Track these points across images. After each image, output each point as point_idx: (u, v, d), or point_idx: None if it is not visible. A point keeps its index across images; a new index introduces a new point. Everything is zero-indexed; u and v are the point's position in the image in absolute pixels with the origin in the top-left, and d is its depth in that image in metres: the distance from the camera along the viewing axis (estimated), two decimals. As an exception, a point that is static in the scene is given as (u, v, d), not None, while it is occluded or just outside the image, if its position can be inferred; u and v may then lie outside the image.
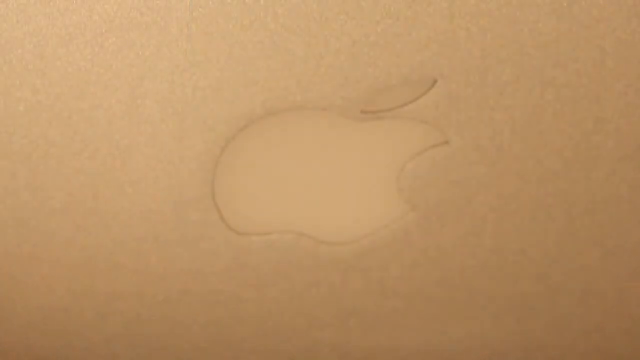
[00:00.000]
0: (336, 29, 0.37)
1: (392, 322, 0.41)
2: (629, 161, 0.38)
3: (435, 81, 0.37)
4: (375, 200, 0.39)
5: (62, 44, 0.37)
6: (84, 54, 0.37)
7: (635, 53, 0.37)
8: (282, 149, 0.38)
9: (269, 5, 0.37)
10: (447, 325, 0.41)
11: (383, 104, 0.38)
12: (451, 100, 0.38)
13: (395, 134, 0.38)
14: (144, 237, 0.39)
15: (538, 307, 0.40)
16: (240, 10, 0.37)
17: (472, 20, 0.37)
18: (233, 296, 0.40)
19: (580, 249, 0.39)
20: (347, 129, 0.38)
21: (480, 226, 0.39)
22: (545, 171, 0.38)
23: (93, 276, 0.40)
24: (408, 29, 0.37)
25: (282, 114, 0.38)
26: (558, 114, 0.38)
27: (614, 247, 0.39)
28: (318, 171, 0.39)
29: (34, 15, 0.37)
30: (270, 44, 0.37)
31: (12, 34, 0.37)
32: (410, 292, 0.40)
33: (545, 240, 0.39)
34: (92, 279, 0.40)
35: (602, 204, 0.39)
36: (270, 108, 0.38)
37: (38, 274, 0.40)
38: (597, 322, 0.41)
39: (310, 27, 0.37)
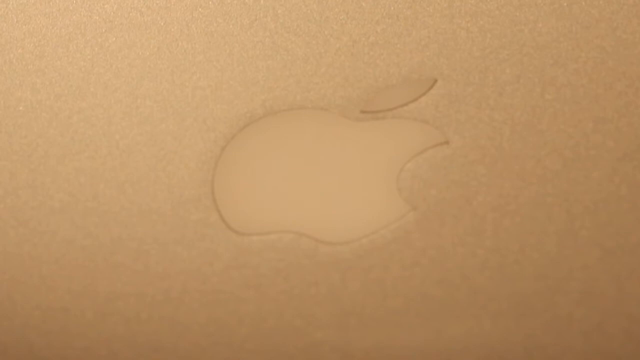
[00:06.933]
0: (336, 29, 0.37)
1: (392, 322, 0.41)
2: (629, 161, 0.38)
3: (435, 81, 0.37)
4: (375, 200, 0.39)
5: (62, 44, 0.37)
6: (84, 54, 0.37)
7: (635, 53, 0.37)
8: (282, 149, 0.38)
9: (269, 5, 0.37)
10: (447, 325, 0.41)
11: (383, 104, 0.38)
12: (451, 100, 0.38)
13: (395, 134, 0.38)
14: (144, 237, 0.39)
15: (538, 307, 0.40)
16: (240, 10, 0.37)
17: (472, 20, 0.37)
18: (233, 296, 0.40)
19: (580, 249, 0.39)
20: (347, 129, 0.38)
21: (480, 226, 0.39)
22: (545, 171, 0.38)
23: (93, 276, 0.40)
24: (408, 29, 0.37)
25: (282, 114, 0.38)
26: (558, 114, 0.38)
27: (614, 247, 0.39)
28: (318, 171, 0.39)
29: (34, 15, 0.37)
30: (270, 44, 0.37)
31: (12, 34, 0.37)
32: (410, 292, 0.40)
33: (545, 240, 0.39)
34: (92, 279, 0.40)
35: (602, 204, 0.39)
36: (270, 108, 0.38)
37: (38, 274, 0.40)
38: (597, 322, 0.41)
39: (310, 27, 0.37)
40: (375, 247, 0.40)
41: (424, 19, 0.37)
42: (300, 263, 0.40)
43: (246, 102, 0.38)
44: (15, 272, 0.40)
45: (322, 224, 0.39)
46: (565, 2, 0.37)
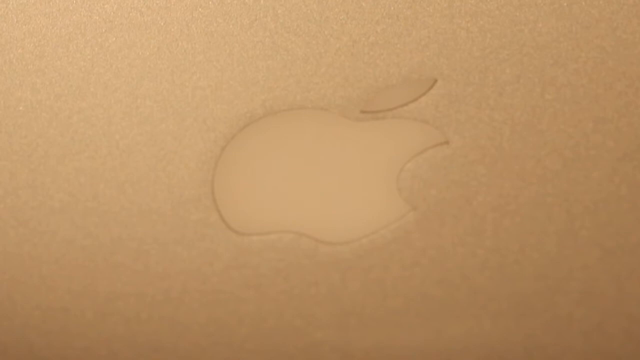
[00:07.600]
0: (336, 29, 0.37)
1: (392, 322, 0.41)
2: (629, 161, 0.38)
3: (435, 81, 0.37)
4: (375, 200, 0.39)
5: (62, 44, 0.37)
6: (84, 54, 0.37)
7: (635, 53, 0.37)
8: (282, 149, 0.38)
9: (269, 5, 0.37)
10: (447, 325, 0.41)
11: (383, 104, 0.38)
12: (451, 100, 0.38)
13: (395, 134, 0.38)
14: (144, 237, 0.39)
15: (538, 307, 0.40)
16: (240, 10, 0.37)
17: (472, 20, 0.37)
18: (233, 296, 0.40)
19: (580, 249, 0.39)
20: (347, 129, 0.38)
21: (480, 226, 0.39)
22: (545, 171, 0.38)
23: (93, 276, 0.40)
24: (408, 29, 0.37)
25: (282, 114, 0.38)
26: (558, 114, 0.38)
27: (614, 247, 0.39)
28: (318, 171, 0.39)
29: (34, 15, 0.37)
30: (270, 44, 0.37)
31: (12, 34, 0.37)
32: (410, 292, 0.40)
33: (545, 240, 0.39)
34: (92, 279, 0.40)
35: (602, 204, 0.39)
36: (270, 108, 0.38)
37: (38, 274, 0.40)
38: (597, 322, 0.41)
39: (310, 27, 0.37)
40: (375, 247, 0.40)
41: (424, 19, 0.37)
42: (300, 263, 0.40)
43: (246, 102, 0.38)
44: (15, 272, 0.40)
45: (322, 224, 0.39)
46: (565, 2, 0.37)
